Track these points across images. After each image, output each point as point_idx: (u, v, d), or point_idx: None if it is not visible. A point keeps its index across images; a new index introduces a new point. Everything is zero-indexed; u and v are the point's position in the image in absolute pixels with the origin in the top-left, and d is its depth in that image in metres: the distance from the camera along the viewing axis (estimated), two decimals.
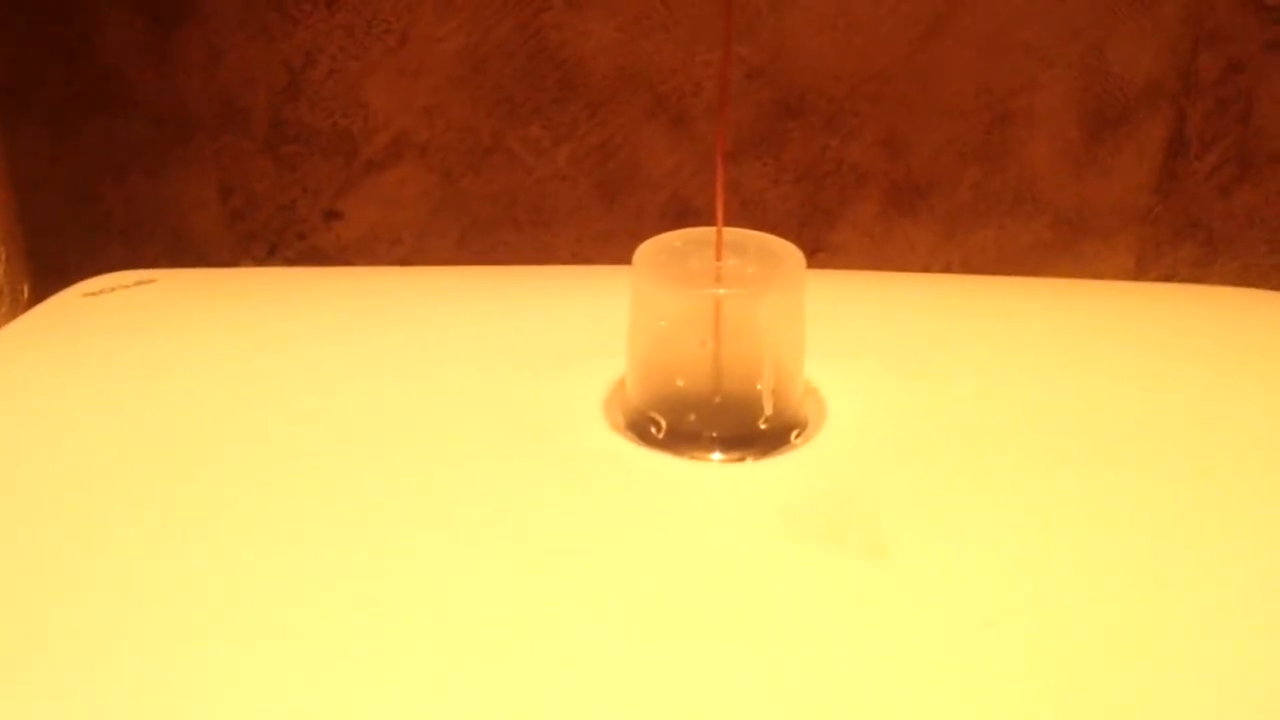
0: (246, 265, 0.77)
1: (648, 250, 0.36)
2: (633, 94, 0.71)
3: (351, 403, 0.38)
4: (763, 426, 0.35)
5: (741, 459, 0.35)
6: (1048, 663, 0.27)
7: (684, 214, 0.74)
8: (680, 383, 0.35)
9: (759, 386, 0.35)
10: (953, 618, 0.28)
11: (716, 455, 0.35)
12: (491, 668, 0.27)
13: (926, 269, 0.75)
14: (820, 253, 0.75)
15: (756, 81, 0.70)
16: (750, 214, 0.75)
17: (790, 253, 0.36)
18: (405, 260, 0.77)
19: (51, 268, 0.71)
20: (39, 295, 0.54)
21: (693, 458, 0.35)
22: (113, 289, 0.45)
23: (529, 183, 0.74)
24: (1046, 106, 0.70)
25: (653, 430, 0.35)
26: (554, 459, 0.35)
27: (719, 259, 0.35)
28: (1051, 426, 0.37)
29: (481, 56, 0.70)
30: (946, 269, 0.74)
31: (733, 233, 0.36)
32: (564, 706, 0.26)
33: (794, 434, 0.36)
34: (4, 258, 0.58)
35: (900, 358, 0.41)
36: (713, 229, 0.36)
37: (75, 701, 0.26)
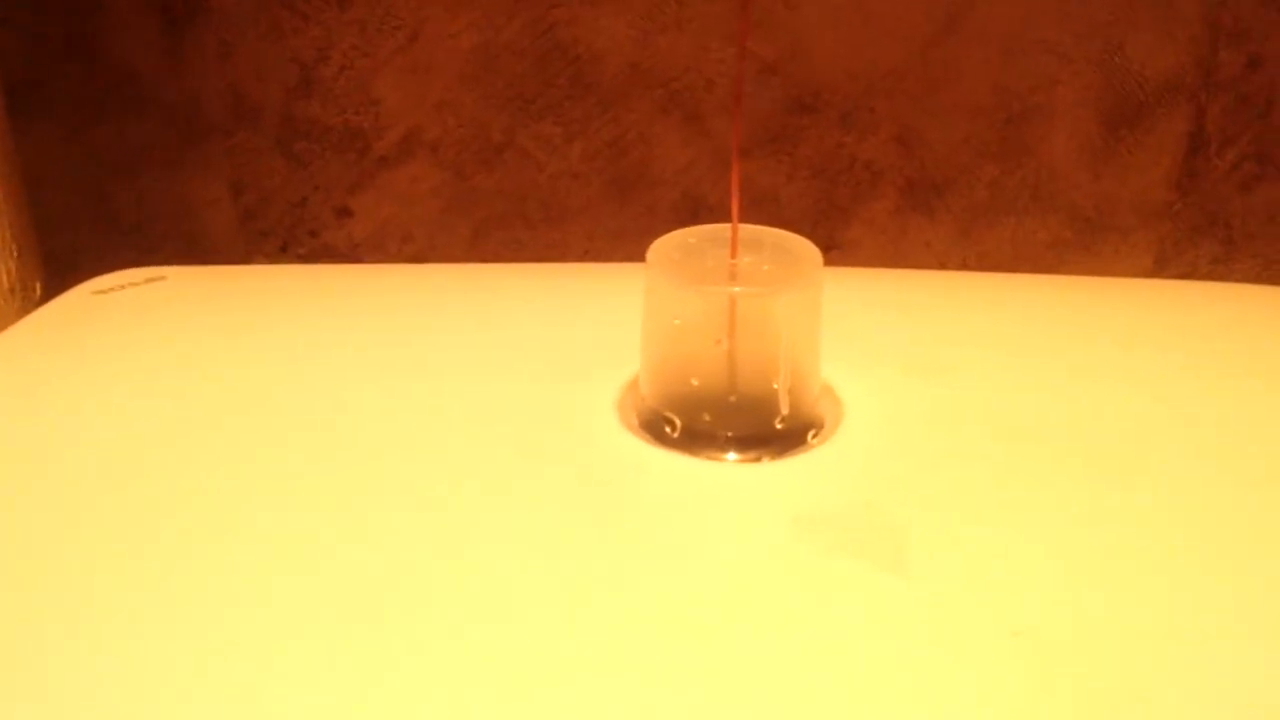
0: (259, 262, 0.76)
1: (662, 247, 0.35)
2: (645, 91, 0.70)
3: (364, 403, 0.38)
4: (779, 426, 0.35)
5: (757, 459, 0.34)
6: (1076, 674, 0.26)
7: (697, 211, 0.74)
8: (695, 382, 0.35)
9: (775, 386, 0.34)
10: (976, 629, 0.28)
11: (731, 455, 0.34)
12: (505, 669, 0.26)
13: (942, 267, 0.74)
14: (834, 250, 0.74)
15: (771, 78, 0.69)
16: (764, 211, 0.74)
17: (807, 250, 0.35)
18: (417, 258, 0.77)
19: (63, 266, 0.71)
20: (51, 293, 0.54)
21: (707, 458, 0.34)
22: (123, 286, 0.45)
23: (541, 180, 0.74)
24: (1065, 103, 0.70)
25: (667, 430, 0.35)
26: (567, 459, 0.34)
27: (734, 256, 0.35)
28: (1073, 428, 0.36)
29: (493, 53, 0.70)
30: (962, 267, 0.74)
31: (748, 229, 0.35)
32: (576, 707, 0.25)
33: (810, 434, 0.35)
34: (16, 255, 0.58)
35: (918, 357, 0.40)
36: (728, 226, 0.36)
37: (81, 702, 0.25)
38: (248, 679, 0.26)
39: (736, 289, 0.34)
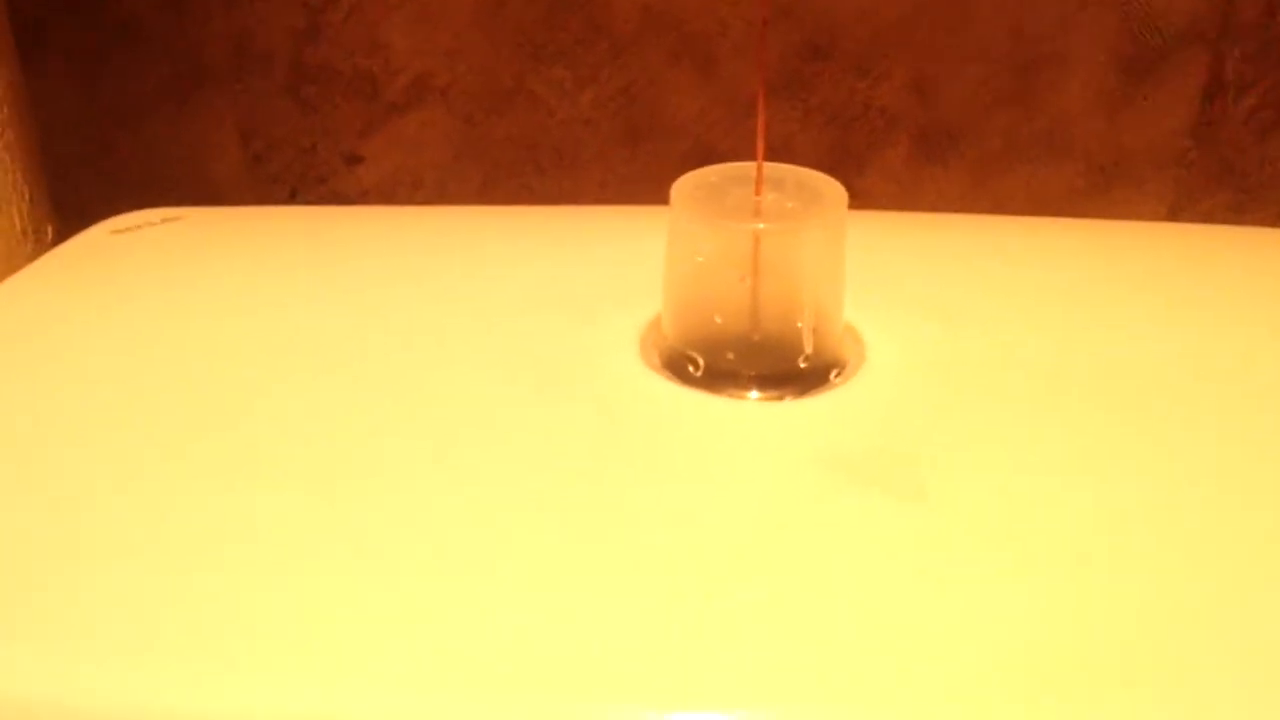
0: None
1: (685, 185, 0.35)
2: (658, 35, 0.69)
3: (381, 344, 0.37)
4: (802, 365, 0.35)
5: (780, 398, 0.34)
6: (1088, 608, 0.26)
7: (708, 160, 0.73)
8: (718, 320, 0.35)
9: (799, 324, 0.34)
10: (993, 562, 0.28)
11: (754, 394, 0.34)
12: (524, 609, 0.27)
13: None
14: (848, 198, 0.74)
15: (785, 22, 0.69)
16: (777, 158, 0.74)
17: (831, 188, 0.35)
18: (427, 205, 0.76)
19: (71, 213, 0.71)
20: (63, 238, 0.54)
21: (730, 396, 0.34)
22: (140, 226, 0.45)
23: (551, 126, 0.73)
24: (1081, 49, 0.69)
25: (690, 369, 0.35)
26: (589, 398, 0.34)
27: (758, 193, 0.35)
28: (1093, 371, 0.36)
29: None
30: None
31: (771, 167, 0.35)
32: (596, 646, 0.26)
33: (833, 373, 0.35)
34: (27, 198, 0.58)
35: (939, 299, 0.40)
36: (750, 164, 0.35)
37: (104, 646, 0.26)
38: (277, 618, 0.26)
39: (761, 225, 0.34)
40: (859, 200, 0.75)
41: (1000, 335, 0.38)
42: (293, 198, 0.76)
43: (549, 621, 0.26)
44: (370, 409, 0.34)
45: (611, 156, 0.73)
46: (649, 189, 0.73)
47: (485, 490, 0.30)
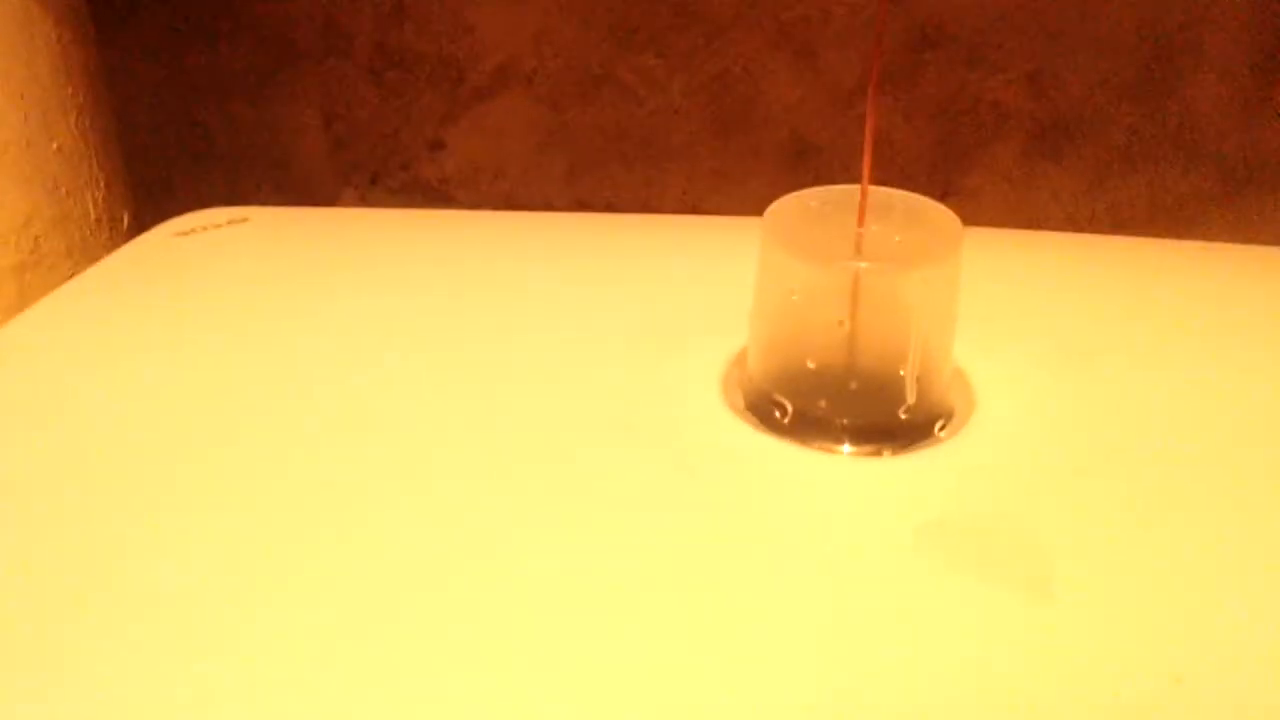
0: (348, 195, 0.75)
1: (779, 211, 0.32)
2: (755, 21, 0.66)
3: (449, 367, 0.35)
4: (903, 417, 0.31)
5: (877, 452, 0.31)
6: None
7: (804, 153, 0.69)
8: (811, 364, 0.31)
9: (901, 372, 0.31)
10: (1133, 673, 0.24)
11: (847, 447, 0.31)
12: (590, 669, 0.24)
13: (1070, 219, 0.69)
14: (951, 198, 0.69)
15: (891, 8, 0.64)
16: (875, 155, 0.70)
17: (944, 219, 0.31)
18: (509, 195, 0.74)
19: (153, 195, 0.70)
20: (140, 224, 0.53)
21: (820, 448, 0.31)
22: (204, 228, 0.43)
23: (640, 115, 0.70)
24: (1214, 42, 0.63)
25: (776, 414, 0.32)
26: (664, 441, 0.31)
27: (861, 224, 0.31)
28: (1239, 424, 0.32)
29: None
30: (1092, 219, 0.68)
31: (878, 192, 0.32)
32: (668, 712, 0.23)
33: (938, 426, 0.32)
34: (103, 186, 0.57)
35: (1060, 336, 0.36)
36: (853, 187, 0.32)
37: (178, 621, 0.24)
38: (351, 627, 0.24)
39: (863, 264, 0.30)
40: (963, 200, 0.70)
41: (1132, 381, 0.34)
42: (374, 184, 0.74)
43: (614, 688, 0.23)
44: (427, 447, 0.31)
45: (700, 148, 0.70)
46: (738, 183, 0.70)
47: (546, 541, 0.28)
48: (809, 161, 0.69)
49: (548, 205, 0.73)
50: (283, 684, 0.24)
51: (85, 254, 0.56)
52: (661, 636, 0.25)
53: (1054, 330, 0.37)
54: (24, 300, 0.51)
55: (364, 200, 0.75)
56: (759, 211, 0.32)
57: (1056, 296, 0.39)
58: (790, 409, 0.31)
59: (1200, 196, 0.68)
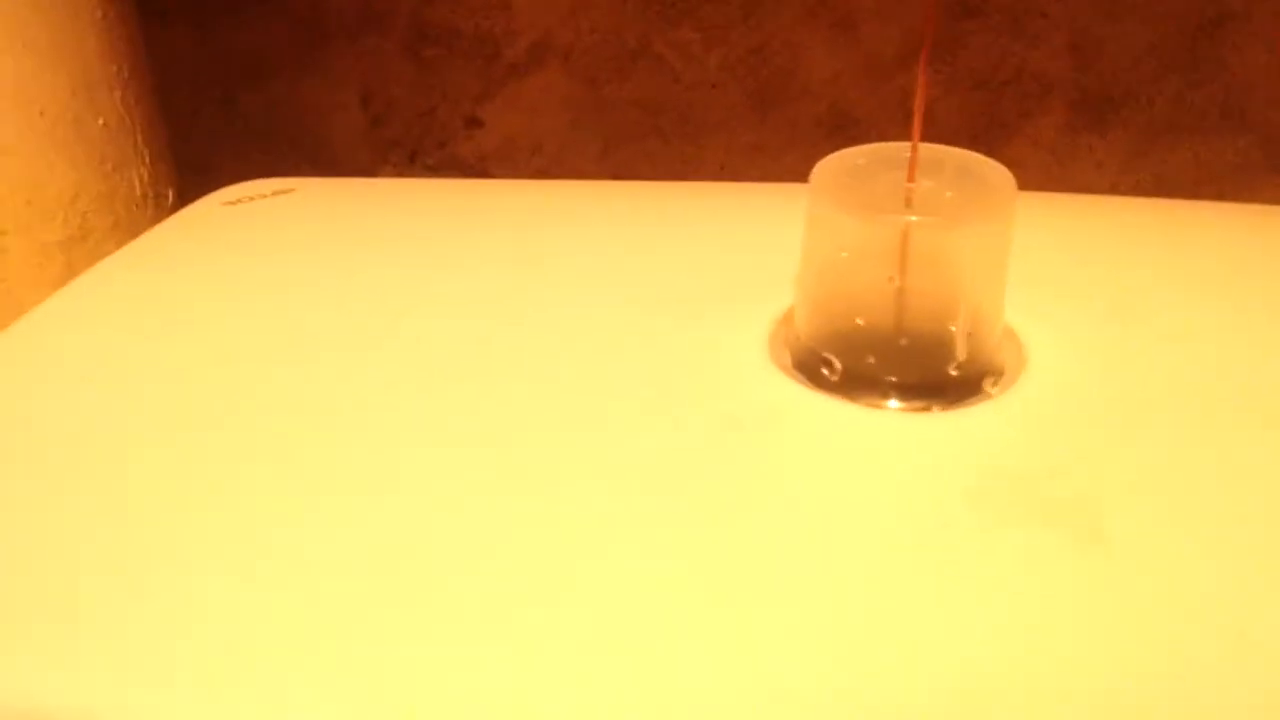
0: (386, 173, 0.75)
1: (827, 168, 0.32)
2: None
3: (498, 332, 0.35)
4: (953, 373, 0.31)
5: (926, 408, 0.31)
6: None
7: (843, 126, 0.69)
8: (860, 320, 0.31)
9: (952, 328, 0.30)
10: (1189, 625, 0.24)
11: (895, 403, 0.31)
12: (647, 621, 0.24)
13: (1114, 189, 0.68)
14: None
15: None
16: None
17: (997, 174, 0.31)
18: (545, 170, 0.74)
19: (195, 172, 0.71)
20: (183, 201, 0.53)
21: (869, 405, 0.31)
22: (251, 198, 0.43)
23: (677, 90, 0.70)
24: (1265, 9, 0.62)
25: (824, 372, 0.32)
26: (711, 399, 0.31)
27: (911, 180, 0.31)
28: None
29: None
30: (1137, 189, 0.67)
31: (928, 149, 0.31)
32: (716, 672, 0.23)
33: (989, 382, 0.31)
34: (147, 162, 0.58)
35: (1109, 296, 0.36)
36: (902, 145, 0.31)
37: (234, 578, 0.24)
38: (383, 585, 0.24)
39: (913, 218, 0.30)
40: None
41: (1181, 338, 0.34)
42: (411, 161, 0.74)
43: (661, 649, 0.23)
44: (475, 406, 0.31)
45: (738, 122, 0.70)
46: (776, 158, 0.69)
47: (593, 500, 0.28)
48: (848, 134, 0.68)
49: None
50: (317, 663, 0.24)
51: (131, 230, 0.57)
52: (716, 591, 0.25)
53: (1105, 291, 0.36)
54: (72, 275, 0.51)
55: (402, 177, 0.75)
56: None
57: (1106, 258, 0.38)
58: (839, 366, 0.31)
59: (1247, 167, 0.67)
